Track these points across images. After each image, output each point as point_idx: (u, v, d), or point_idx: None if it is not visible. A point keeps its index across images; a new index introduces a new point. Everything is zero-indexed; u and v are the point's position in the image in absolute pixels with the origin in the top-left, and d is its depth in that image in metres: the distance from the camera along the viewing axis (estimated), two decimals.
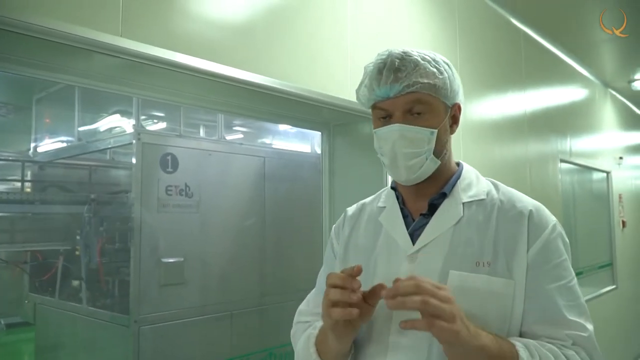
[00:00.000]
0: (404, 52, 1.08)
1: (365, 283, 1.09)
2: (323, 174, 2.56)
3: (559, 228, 1.08)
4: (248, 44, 1.81)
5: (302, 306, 1.30)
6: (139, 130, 3.09)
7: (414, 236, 1.11)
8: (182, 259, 3.12)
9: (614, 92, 5.82)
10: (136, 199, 2.96)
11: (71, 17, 1.34)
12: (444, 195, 1.12)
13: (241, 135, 4.15)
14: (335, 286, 0.96)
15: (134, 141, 3.01)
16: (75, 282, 3.76)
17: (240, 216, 3.50)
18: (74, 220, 3.98)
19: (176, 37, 1.58)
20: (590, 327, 1.02)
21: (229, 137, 3.77)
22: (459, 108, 1.15)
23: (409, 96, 1.05)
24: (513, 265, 1.03)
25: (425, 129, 1.06)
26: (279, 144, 4.27)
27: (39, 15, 1.28)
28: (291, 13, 1.99)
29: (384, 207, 1.21)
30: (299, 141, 4.27)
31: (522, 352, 0.94)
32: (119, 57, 1.44)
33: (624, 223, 5.69)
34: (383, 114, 1.09)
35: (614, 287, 5.17)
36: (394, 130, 1.06)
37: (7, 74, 2.13)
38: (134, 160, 3.01)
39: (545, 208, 1.11)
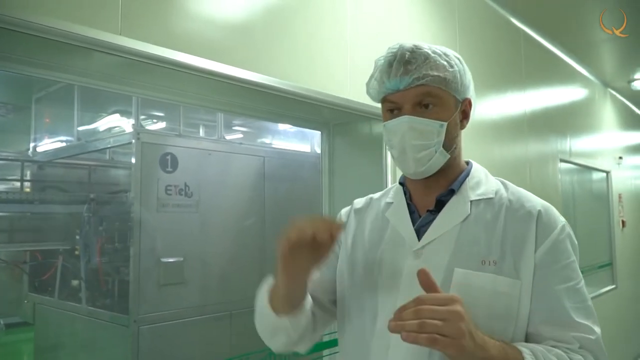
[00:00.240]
0: (414, 46, 1.08)
1: (371, 277, 1.12)
2: (323, 173, 2.56)
3: (568, 229, 1.07)
4: (248, 43, 1.80)
5: None
6: (138, 129, 3.08)
7: (420, 232, 1.10)
8: (181, 259, 3.11)
9: (613, 92, 5.82)
10: (136, 198, 2.95)
11: (70, 15, 1.34)
12: (451, 192, 1.11)
13: (241, 135, 4.15)
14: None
15: (133, 141, 3.01)
16: (75, 282, 3.75)
17: (240, 216, 3.50)
18: (73, 220, 3.98)
19: (176, 36, 1.58)
20: (597, 330, 1.01)
21: (228, 137, 3.77)
22: (470, 103, 1.14)
23: (418, 89, 1.05)
24: (520, 265, 1.02)
25: (435, 121, 1.06)
26: (279, 143, 4.27)
27: (39, 13, 1.27)
28: (291, 12, 1.98)
29: (392, 202, 1.20)
30: (298, 141, 4.27)
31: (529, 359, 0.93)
32: (118, 55, 1.43)
33: (623, 223, 5.69)
34: (392, 107, 1.09)
35: (613, 287, 5.17)
36: (403, 122, 1.06)
37: (7, 73, 2.13)
38: (133, 160, 3.00)
39: (554, 208, 1.10)
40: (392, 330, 0.86)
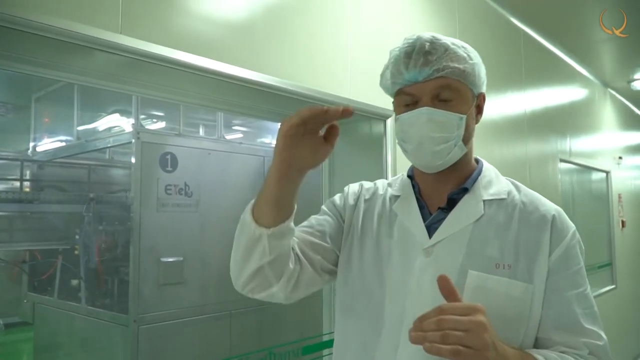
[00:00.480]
0: (433, 36, 1.05)
1: (380, 273, 1.09)
2: (323, 173, 2.55)
3: (577, 234, 1.07)
4: (248, 42, 1.80)
5: None
6: (138, 129, 3.08)
7: (430, 229, 1.07)
8: (181, 259, 3.11)
9: (613, 92, 5.82)
10: (135, 198, 2.95)
11: (71, 14, 1.34)
12: (464, 191, 1.09)
13: (241, 135, 4.15)
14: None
15: (133, 140, 3.01)
16: (74, 282, 3.75)
17: (240, 215, 3.49)
18: (73, 220, 3.98)
19: (176, 35, 1.58)
20: (604, 335, 1.01)
21: (228, 137, 3.77)
22: (484, 98, 1.12)
23: (438, 81, 1.02)
24: (534, 270, 1.01)
25: (454, 114, 1.03)
26: None
27: (39, 12, 1.27)
28: (291, 11, 1.98)
29: (399, 195, 1.16)
30: None
31: None
32: (118, 54, 1.43)
33: (623, 223, 5.69)
34: (408, 100, 1.05)
35: (613, 287, 5.17)
36: (421, 113, 1.02)
37: (7, 72, 2.12)
38: (133, 160, 3.00)
39: (564, 212, 1.09)
40: (414, 341, 0.83)
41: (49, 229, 4.31)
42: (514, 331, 0.99)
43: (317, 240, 1.14)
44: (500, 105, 3.38)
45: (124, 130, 3.70)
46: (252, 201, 1.05)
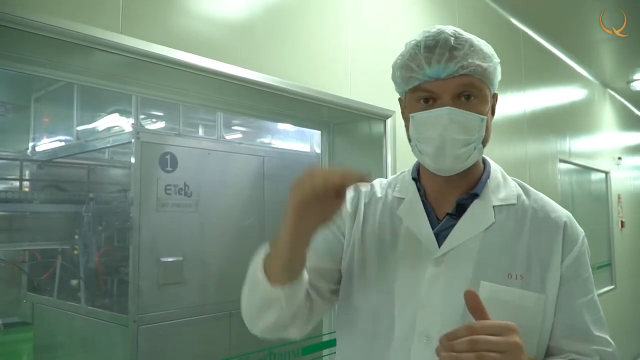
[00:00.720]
0: (456, 31, 0.99)
1: (387, 284, 1.03)
2: None
3: (586, 240, 1.05)
4: (248, 42, 1.80)
5: None
6: (137, 129, 3.08)
7: (439, 237, 1.02)
8: (181, 259, 3.11)
9: (613, 93, 5.83)
10: (135, 198, 2.95)
11: (71, 13, 1.34)
12: (473, 196, 1.04)
13: (240, 135, 4.15)
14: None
15: (132, 140, 3.01)
16: (74, 282, 3.75)
17: (240, 215, 3.49)
18: (72, 220, 3.97)
19: (176, 35, 1.58)
20: (612, 341, 1.01)
21: (228, 137, 3.77)
22: (497, 98, 1.09)
23: (462, 79, 0.96)
24: (546, 279, 0.98)
25: (477, 115, 0.98)
26: (279, 143, 4.27)
27: (39, 12, 1.27)
28: (291, 11, 1.98)
29: (402, 198, 1.10)
30: (298, 140, 4.27)
31: None
32: (118, 54, 1.43)
33: (622, 223, 5.69)
34: (425, 97, 0.99)
35: (612, 287, 5.18)
36: (443, 114, 0.95)
37: (6, 72, 2.12)
38: (132, 160, 3.00)
39: (573, 217, 1.07)
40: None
41: (49, 228, 4.30)
42: (528, 343, 0.93)
43: (319, 265, 1.08)
44: (500, 105, 3.36)
45: (123, 130, 3.69)
46: (261, 256, 1.00)
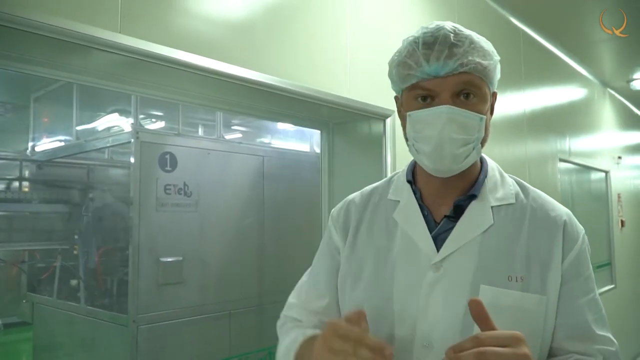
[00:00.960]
0: (455, 27, 0.96)
1: (383, 291, 1.01)
2: (322, 173, 2.55)
3: (586, 237, 1.03)
4: (248, 42, 1.80)
5: (291, 298, 1.16)
6: (137, 129, 3.08)
7: (437, 241, 0.99)
8: (180, 258, 3.11)
9: (612, 92, 5.82)
10: (134, 198, 2.95)
11: (70, 13, 1.33)
12: (471, 197, 1.01)
13: (240, 135, 4.14)
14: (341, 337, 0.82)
15: (132, 140, 3.01)
16: (74, 282, 3.75)
17: (239, 215, 3.49)
18: (72, 220, 3.97)
19: (175, 34, 1.57)
20: (614, 339, 0.99)
21: (228, 136, 3.77)
22: (496, 97, 1.06)
23: (461, 77, 0.93)
24: (547, 280, 0.96)
25: (476, 114, 0.95)
26: (278, 143, 4.27)
27: (38, 11, 1.27)
28: (291, 11, 1.98)
29: (397, 201, 1.07)
30: (298, 140, 4.27)
31: None
32: (117, 53, 1.43)
33: (622, 223, 5.69)
34: (423, 95, 0.96)
35: (612, 286, 5.17)
36: (442, 112, 0.93)
37: (6, 72, 2.12)
38: (132, 159, 3.00)
39: (573, 215, 1.04)
40: None
41: (48, 228, 4.30)
42: (530, 345, 0.91)
43: (330, 301, 1.09)
44: (500, 105, 3.36)
45: (123, 130, 3.69)
46: (295, 349, 1.01)
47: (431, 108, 0.94)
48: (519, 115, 3.63)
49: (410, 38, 0.99)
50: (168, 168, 3.10)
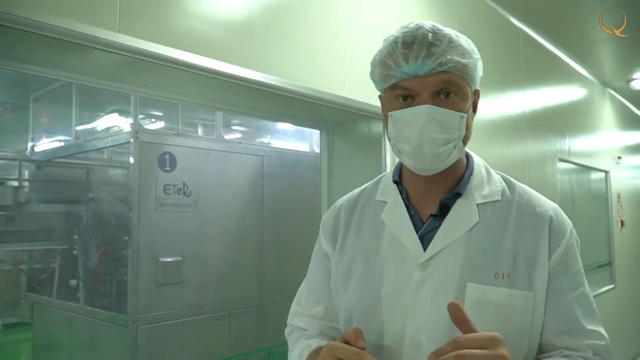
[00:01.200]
0: (434, 26, 0.96)
1: (371, 291, 1.01)
2: (322, 172, 2.55)
3: (574, 231, 1.02)
4: (247, 41, 1.80)
5: (294, 306, 1.20)
6: (136, 128, 3.08)
7: (424, 240, 1.00)
8: (180, 258, 3.10)
9: (612, 92, 5.82)
10: (134, 198, 2.95)
11: (69, 13, 1.33)
12: (457, 195, 1.02)
13: (240, 135, 4.14)
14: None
15: (131, 140, 3.00)
16: (73, 282, 3.75)
17: (239, 215, 3.49)
18: (71, 220, 3.97)
19: (175, 34, 1.57)
20: (605, 334, 0.99)
21: (227, 136, 3.76)
22: (479, 95, 1.05)
23: (440, 76, 0.93)
24: (534, 276, 0.96)
25: (456, 112, 0.94)
26: (278, 143, 4.27)
27: (37, 11, 1.27)
28: (291, 10, 1.98)
29: (385, 201, 1.08)
30: (297, 140, 4.26)
31: None
32: (117, 53, 1.43)
33: (622, 223, 5.69)
34: (404, 94, 0.96)
35: (612, 286, 5.17)
36: (422, 112, 0.93)
37: (5, 72, 2.12)
38: (131, 159, 3.00)
39: (561, 210, 1.04)
40: None
41: (47, 229, 4.30)
42: (518, 342, 0.94)
43: (327, 306, 1.12)
44: (500, 105, 3.38)
45: (122, 130, 3.69)
46: None
47: (411, 108, 0.95)
48: (518, 115, 3.63)
49: (391, 38, 0.99)
50: (167, 168, 3.10)
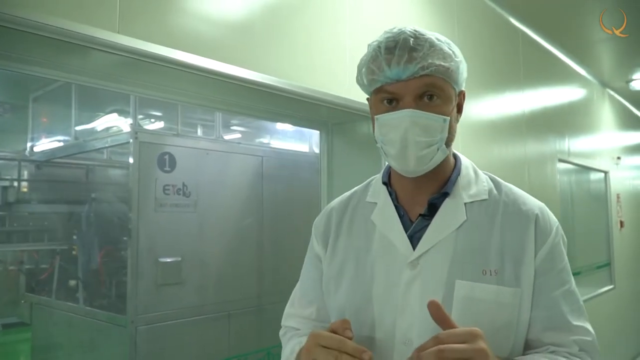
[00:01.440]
0: (416, 31, 0.98)
1: (363, 291, 1.04)
2: (321, 173, 2.55)
3: (560, 229, 1.05)
4: (247, 42, 1.79)
5: (287, 308, 1.22)
6: (136, 129, 3.08)
7: (413, 239, 1.02)
8: (179, 259, 3.10)
9: (612, 92, 5.82)
10: (133, 198, 2.94)
11: (69, 13, 1.33)
12: (444, 195, 1.04)
13: (239, 135, 4.14)
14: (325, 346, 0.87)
15: (131, 140, 3.00)
16: (72, 282, 3.74)
17: (238, 216, 3.49)
18: (70, 220, 3.97)
19: (174, 34, 1.57)
20: (591, 329, 1.01)
21: (226, 137, 3.76)
22: (464, 96, 1.07)
23: (422, 79, 0.95)
24: (521, 273, 0.98)
25: (439, 115, 0.97)
26: (277, 143, 4.27)
27: (37, 12, 1.27)
28: (290, 11, 1.97)
29: (375, 203, 1.11)
30: (297, 140, 4.26)
31: None
32: (116, 54, 1.43)
33: (621, 223, 5.69)
34: (388, 98, 0.99)
35: (611, 287, 5.17)
36: (405, 116, 0.95)
37: (5, 72, 2.11)
38: (131, 160, 2.99)
39: (547, 208, 1.06)
40: None
41: (47, 229, 4.30)
42: (505, 338, 0.97)
43: (319, 307, 1.14)
44: (499, 105, 3.38)
45: (121, 130, 3.69)
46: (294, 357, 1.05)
47: (395, 112, 0.97)
48: (518, 115, 3.63)
49: (374, 43, 1.02)
50: (167, 168, 3.10)
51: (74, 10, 1.34)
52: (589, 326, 1.01)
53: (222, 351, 3.27)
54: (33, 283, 4.37)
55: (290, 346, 1.10)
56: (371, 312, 1.02)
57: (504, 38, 3.53)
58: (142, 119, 3.59)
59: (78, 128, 3.98)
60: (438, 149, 0.99)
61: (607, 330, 4.62)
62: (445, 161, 1.05)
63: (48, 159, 4.31)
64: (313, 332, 0.92)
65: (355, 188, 1.21)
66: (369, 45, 1.03)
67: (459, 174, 1.08)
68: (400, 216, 1.06)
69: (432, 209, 1.04)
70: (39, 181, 4.44)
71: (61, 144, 4.26)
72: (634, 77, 5.33)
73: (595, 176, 5.43)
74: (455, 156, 1.11)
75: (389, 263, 1.03)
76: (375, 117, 1.02)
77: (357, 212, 1.14)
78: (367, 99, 1.09)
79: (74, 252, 3.82)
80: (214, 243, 3.30)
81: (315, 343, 0.88)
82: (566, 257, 1.03)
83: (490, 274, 0.97)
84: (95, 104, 4.00)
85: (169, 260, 3.05)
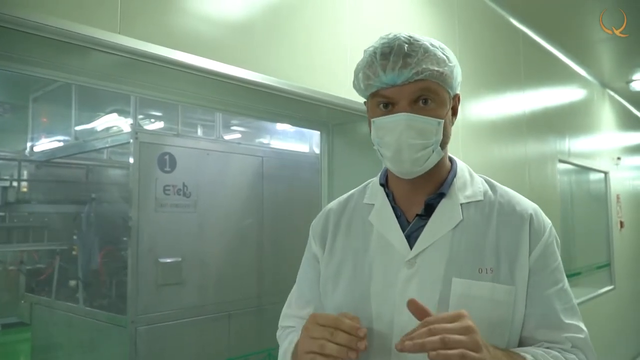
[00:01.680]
0: (410, 37, 1.01)
1: (361, 289, 1.06)
2: (322, 173, 2.55)
3: (553, 230, 1.08)
4: (247, 42, 1.79)
5: (285, 309, 1.24)
6: (136, 129, 3.08)
7: (410, 239, 1.05)
8: (179, 259, 3.10)
9: (612, 93, 5.82)
10: (133, 198, 2.94)
11: (69, 14, 1.33)
12: (440, 195, 1.07)
13: (239, 135, 4.14)
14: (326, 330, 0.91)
15: (131, 140, 3.00)
16: (72, 282, 3.74)
17: (239, 216, 3.49)
18: (70, 220, 3.97)
19: (175, 35, 1.57)
20: (584, 327, 1.04)
21: (227, 137, 3.76)
22: (459, 99, 1.10)
23: (417, 84, 0.98)
24: (515, 271, 1.01)
25: (433, 119, 1.00)
26: (277, 143, 4.26)
27: (37, 12, 1.26)
28: (290, 11, 1.97)
29: (372, 204, 1.14)
30: (297, 141, 4.26)
31: None
32: (116, 54, 1.42)
33: (621, 224, 5.68)
34: (384, 102, 1.02)
35: (611, 287, 5.17)
36: (400, 119, 0.99)
37: (5, 72, 2.11)
38: (131, 160, 2.99)
39: (540, 209, 1.09)
40: (410, 349, 0.82)
41: (47, 229, 4.30)
42: (500, 334, 0.99)
43: (316, 307, 1.15)
44: (499, 105, 3.38)
45: (122, 131, 3.69)
46: (290, 354, 1.08)
47: (390, 115, 1.01)
48: (518, 116, 3.63)
49: (370, 49, 1.05)
50: (167, 168, 3.10)
51: (74, 11, 1.34)
52: (581, 324, 1.04)
53: (222, 352, 3.27)
54: (33, 283, 4.37)
55: (289, 340, 1.12)
56: (369, 310, 1.03)
57: (504, 38, 3.53)
58: (142, 119, 3.59)
59: (78, 128, 3.98)
60: (433, 151, 1.02)
61: (607, 330, 4.62)
62: (441, 163, 1.08)
63: (48, 159, 4.31)
64: (313, 313, 0.96)
65: (353, 190, 1.24)
66: (365, 50, 1.07)
67: (455, 176, 1.11)
68: (398, 217, 1.09)
69: (429, 209, 1.06)
70: (39, 181, 4.43)
71: (61, 144, 4.26)
72: (634, 77, 5.33)
73: (595, 176, 5.43)
74: (451, 159, 1.14)
75: (386, 262, 1.05)
76: (372, 120, 1.05)
77: (354, 213, 1.16)
78: (364, 102, 1.12)
79: (74, 252, 3.82)
80: (214, 243, 3.30)
81: (314, 322, 0.93)
82: (559, 257, 1.06)
83: (486, 272, 1.00)
84: (96, 104, 4.00)
85: (169, 260, 3.05)
